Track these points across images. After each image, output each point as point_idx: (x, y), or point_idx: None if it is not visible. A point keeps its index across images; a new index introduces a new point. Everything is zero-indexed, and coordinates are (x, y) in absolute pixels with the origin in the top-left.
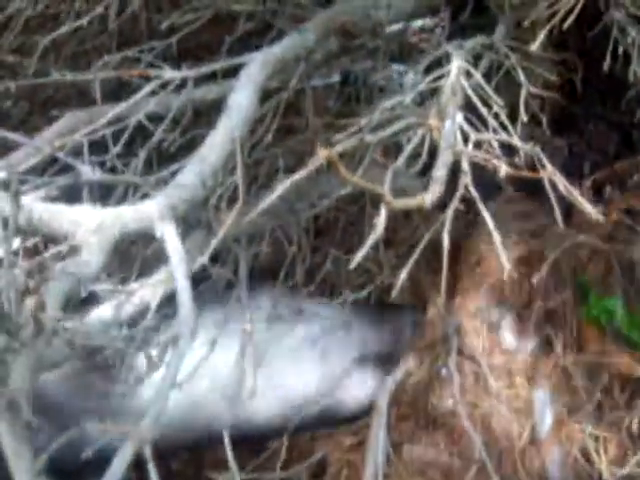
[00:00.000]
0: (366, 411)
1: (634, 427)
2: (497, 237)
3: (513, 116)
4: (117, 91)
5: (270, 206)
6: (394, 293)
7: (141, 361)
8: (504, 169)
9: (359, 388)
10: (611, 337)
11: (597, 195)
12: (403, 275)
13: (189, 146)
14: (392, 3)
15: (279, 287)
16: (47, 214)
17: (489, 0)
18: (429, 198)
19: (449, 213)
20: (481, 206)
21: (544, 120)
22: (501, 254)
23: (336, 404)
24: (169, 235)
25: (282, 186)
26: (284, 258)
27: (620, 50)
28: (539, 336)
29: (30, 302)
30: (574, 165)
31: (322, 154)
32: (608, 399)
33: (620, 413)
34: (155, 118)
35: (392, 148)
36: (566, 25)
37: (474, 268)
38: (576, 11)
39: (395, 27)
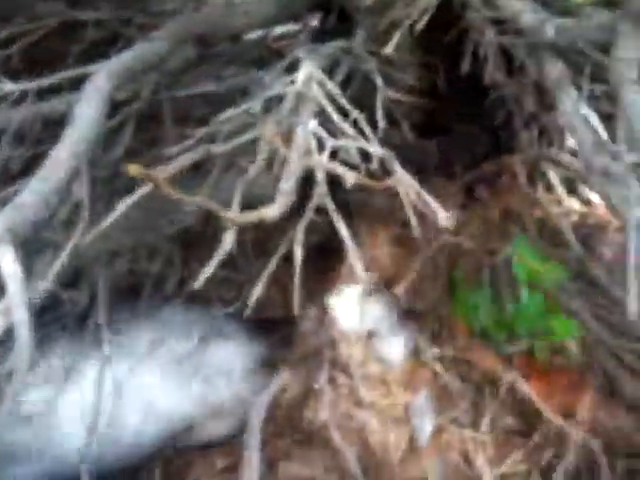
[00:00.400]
0: (241, 429)
1: (509, 423)
2: (353, 251)
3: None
4: None
5: (128, 223)
6: (250, 304)
7: None
8: (351, 178)
9: (234, 405)
10: (479, 335)
11: (468, 196)
12: (258, 288)
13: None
14: (249, 9)
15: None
16: None
17: (349, 5)
18: (273, 211)
19: (302, 224)
20: (336, 218)
21: (408, 124)
22: (357, 267)
23: (210, 423)
24: (5, 261)
25: (123, 204)
26: (152, 274)
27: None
28: (413, 337)
29: None
30: (444, 167)
31: (132, 171)
32: (482, 398)
33: (494, 411)
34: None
35: None
36: (421, 27)
37: (347, 277)
38: (429, 13)
39: (255, 34)
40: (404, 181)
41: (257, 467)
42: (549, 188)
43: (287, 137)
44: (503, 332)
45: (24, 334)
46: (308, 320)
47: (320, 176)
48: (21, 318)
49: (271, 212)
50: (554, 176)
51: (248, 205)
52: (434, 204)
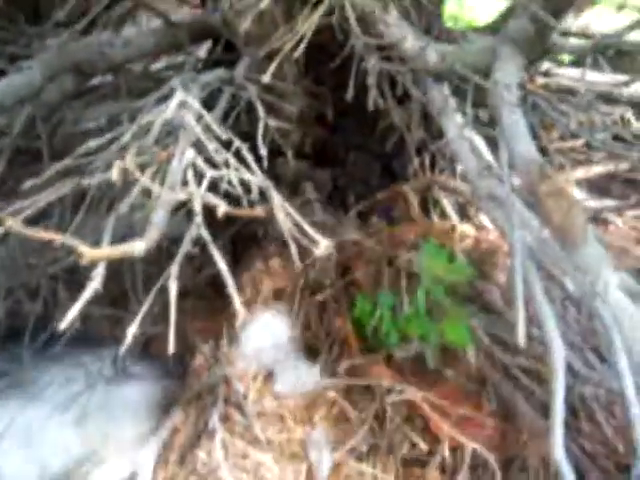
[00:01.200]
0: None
1: (406, 451)
2: (229, 281)
3: (275, 149)
4: None
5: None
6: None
7: None
8: (222, 209)
9: (126, 450)
10: (371, 343)
11: (364, 225)
12: (134, 326)
13: None
14: (130, 40)
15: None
16: None
17: (228, 34)
18: (141, 245)
19: (178, 257)
20: (212, 248)
21: (293, 153)
22: (234, 298)
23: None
24: None
25: None
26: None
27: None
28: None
29: None
30: (339, 197)
31: None
32: (379, 425)
33: (393, 437)
34: None
35: None
36: (302, 55)
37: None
38: (306, 40)
39: (138, 65)
40: (282, 209)
41: None
42: (443, 214)
43: (160, 166)
44: (395, 336)
45: None
46: (201, 357)
47: (197, 207)
48: None
49: (139, 246)
50: (447, 203)
51: None
52: (312, 232)
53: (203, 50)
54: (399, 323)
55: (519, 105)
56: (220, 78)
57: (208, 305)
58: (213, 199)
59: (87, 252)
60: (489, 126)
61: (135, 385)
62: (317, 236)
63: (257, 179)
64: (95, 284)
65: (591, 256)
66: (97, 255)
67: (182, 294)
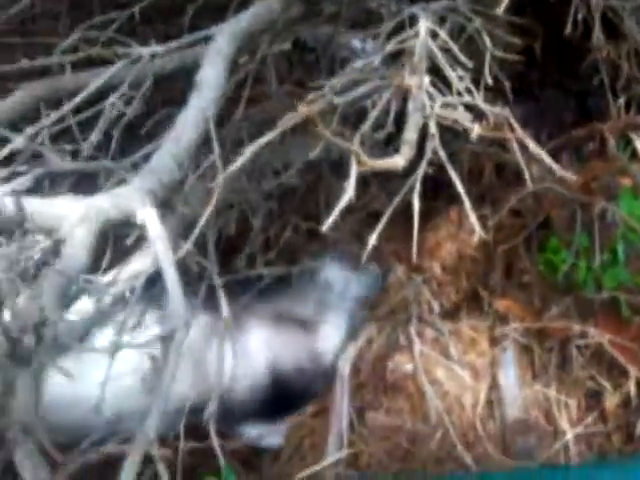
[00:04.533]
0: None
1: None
2: (467, 201)
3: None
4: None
5: (236, 180)
6: (364, 259)
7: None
8: (476, 130)
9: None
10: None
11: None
12: (372, 241)
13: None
14: None
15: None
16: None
17: None
18: (401, 160)
19: (419, 175)
20: (449, 168)
21: (507, 87)
22: (471, 216)
23: None
24: (151, 222)
25: (253, 147)
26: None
27: (580, 17)
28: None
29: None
30: (530, 133)
31: (302, 110)
32: (566, 359)
33: (580, 373)
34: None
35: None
36: None
37: (437, 234)
38: None
39: None
40: (521, 137)
41: (346, 415)
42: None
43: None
44: (592, 285)
45: (177, 292)
46: (395, 276)
47: (433, 129)
48: (172, 278)
49: (399, 161)
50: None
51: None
52: (549, 159)
53: None
54: (594, 271)
55: None
56: (446, 7)
57: (399, 230)
58: (464, 116)
59: (366, 160)
60: None
61: (334, 295)
62: (557, 166)
63: (492, 108)
64: (350, 191)
65: None
66: (372, 164)
67: (375, 217)
